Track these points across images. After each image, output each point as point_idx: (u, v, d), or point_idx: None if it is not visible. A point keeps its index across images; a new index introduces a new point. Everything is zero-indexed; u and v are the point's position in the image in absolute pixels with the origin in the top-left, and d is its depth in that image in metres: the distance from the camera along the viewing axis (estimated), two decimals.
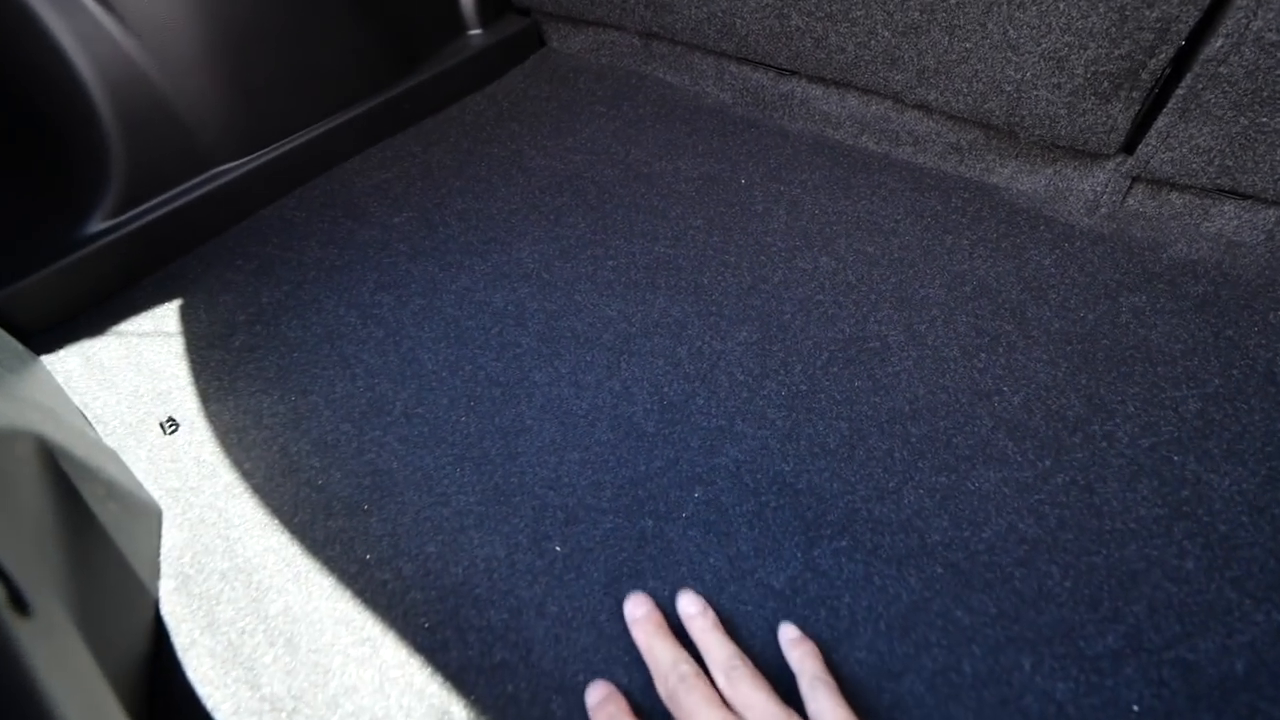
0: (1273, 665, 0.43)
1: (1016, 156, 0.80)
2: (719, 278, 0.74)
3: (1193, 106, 0.63)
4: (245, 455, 0.60)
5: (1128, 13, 0.61)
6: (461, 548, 0.53)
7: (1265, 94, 0.59)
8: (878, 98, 0.86)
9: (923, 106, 0.82)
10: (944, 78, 0.76)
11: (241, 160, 0.85)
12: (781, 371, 0.64)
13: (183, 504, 0.57)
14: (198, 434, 0.62)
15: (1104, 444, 0.56)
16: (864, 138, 0.90)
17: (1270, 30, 0.56)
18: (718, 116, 0.97)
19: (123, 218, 0.77)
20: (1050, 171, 0.78)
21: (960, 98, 0.77)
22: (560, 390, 0.64)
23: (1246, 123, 0.62)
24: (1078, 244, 0.74)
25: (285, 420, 0.63)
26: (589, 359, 0.66)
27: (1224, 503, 0.52)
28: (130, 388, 0.67)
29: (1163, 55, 0.62)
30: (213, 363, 0.69)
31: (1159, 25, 0.60)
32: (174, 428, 0.63)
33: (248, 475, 0.59)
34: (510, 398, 0.63)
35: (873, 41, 0.78)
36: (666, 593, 0.49)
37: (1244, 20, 0.57)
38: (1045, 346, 0.64)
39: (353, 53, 0.93)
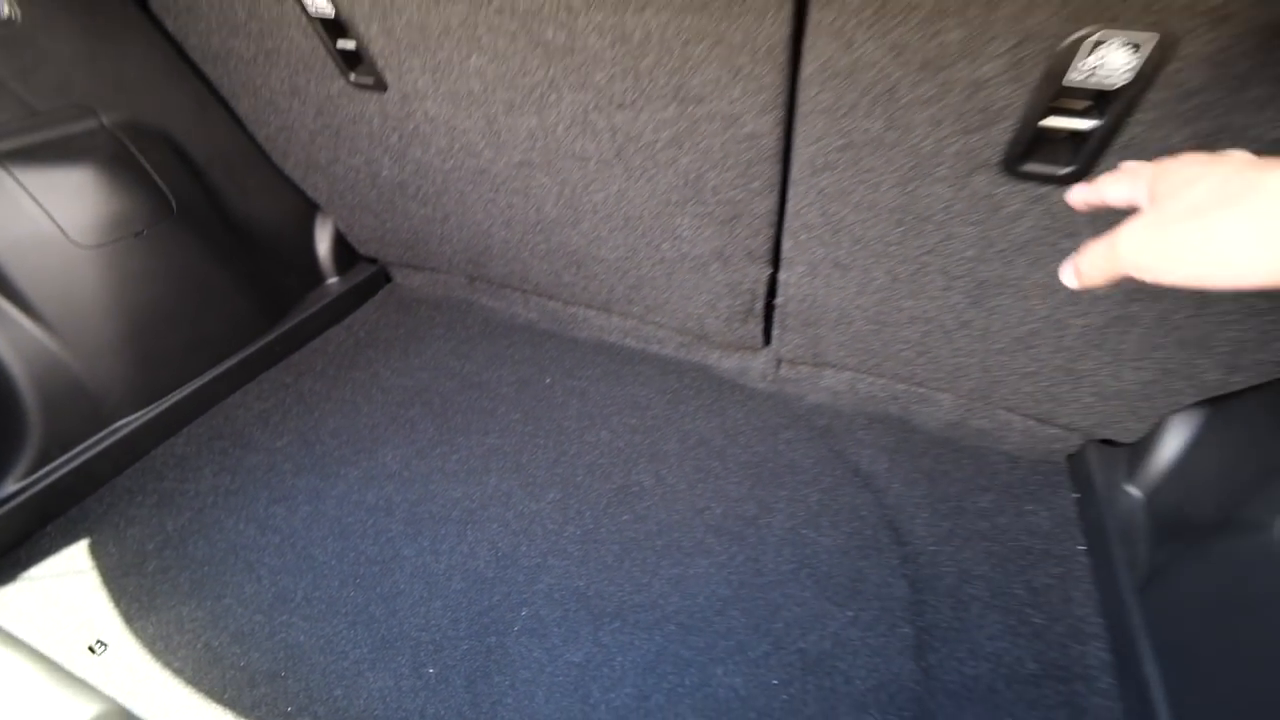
0: (847, 642, 0.80)
1: (718, 348, 1.25)
2: (533, 456, 1.07)
3: (786, 323, 1.11)
4: (173, 656, 0.78)
5: (732, 284, 1.07)
6: (361, 687, 0.76)
7: (814, 317, 1.08)
8: (630, 317, 1.30)
9: (655, 323, 1.27)
10: (660, 310, 1.21)
11: (139, 413, 1.06)
12: (576, 518, 0.97)
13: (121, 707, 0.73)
14: (126, 648, 0.79)
15: (765, 531, 0.94)
16: (627, 339, 1.32)
17: (798, 296, 1.04)
18: (527, 332, 1.36)
19: (33, 477, 0.94)
20: (737, 357, 1.24)
21: (673, 319, 1.21)
22: (424, 559, 0.90)
23: (812, 331, 1.10)
24: (756, 401, 1.18)
25: (204, 622, 0.82)
26: (443, 532, 0.94)
27: (827, 553, 0.91)
28: (52, 623, 0.82)
29: (759, 304, 1.09)
30: (130, 588, 0.86)
31: (749, 290, 1.07)
32: (103, 648, 0.79)
33: (178, 671, 0.77)
34: (387, 571, 0.89)
35: (616, 289, 1.22)
36: (509, 683, 0.76)
37: (790, 290, 1.05)
38: (736, 473, 1.04)
39: (232, 314, 1.19)
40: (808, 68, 0.67)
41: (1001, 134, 0.65)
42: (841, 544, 0.92)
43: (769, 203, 0.86)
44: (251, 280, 1.23)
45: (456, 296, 1.45)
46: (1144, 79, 0.55)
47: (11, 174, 0.86)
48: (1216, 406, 0.82)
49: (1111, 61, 0.55)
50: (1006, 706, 0.74)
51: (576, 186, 0.97)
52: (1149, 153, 0.57)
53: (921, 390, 1.09)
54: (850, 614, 0.83)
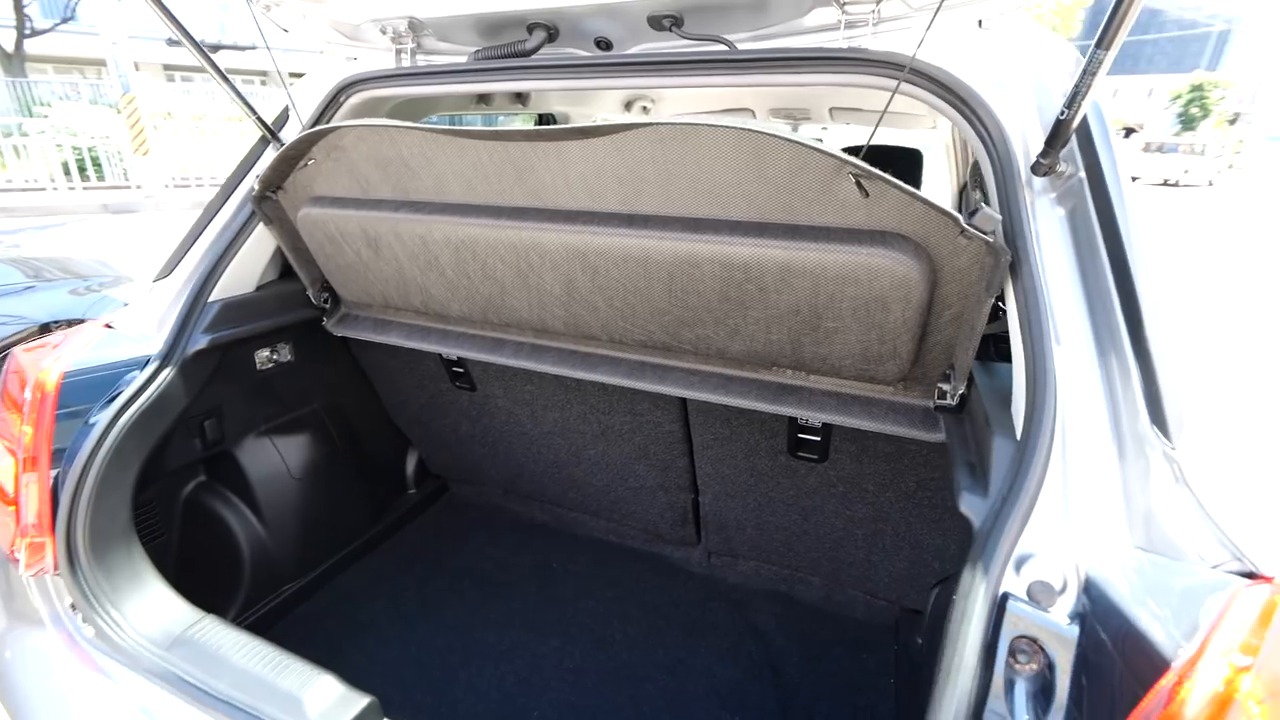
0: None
1: (669, 543, 1.86)
2: (543, 616, 1.63)
3: (708, 527, 1.74)
4: None
5: (671, 503, 1.73)
6: None
7: (722, 524, 1.70)
8: (611, 521, 1.92)
9: (628, 525, 1.89)
10: (629, 517, 1.84)
11: (295, 581, 1.65)
12: (570, 658, 1.51)
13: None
14: None
15: (690, 666, 1.48)
16: (609, 536, 1.94)
17: (711, 511, 1.69)
18: (541, 529, 1.98)
19: (240, 616, 1.51)
20: (682, 550, 1.84)
21: (638, 524, 1.84)
22: (472, 680, 1.44)
23: (724, 533, 1.72)
24: (694, 581, 1.76)
25: None
26: (483, 664, 1.48)
27: (729, 680, 1.44)
28: None
29: (690, 514, 1.73)
30: None
31: (682, 506, 1.72)
32: None
33: None
34: (447, 686, 1.42)
35: (602, 503, 1.86)
36: None
37: (706, 507, 1.70)
38: (675, 629, 1.59)
39: (354, 514, 1.84)
40: (692, 410, 1.41)
41: (783, 440, 1.36)
42: (739, 675, 1.46)
43: (685, 461, 1.56)
44: (369, 492, 1.90)
45: (494, 503, 2.11)
46: (829, 428, 1.27)
47: (274, 443, 1.59)
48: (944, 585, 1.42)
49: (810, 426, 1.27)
50: None
51: (578, 445, 1.68)
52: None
53: (800, 574, 1.68)
54: (737, 718, 1.35)
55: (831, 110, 2.37)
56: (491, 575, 1.79)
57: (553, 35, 1.19)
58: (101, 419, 1.13)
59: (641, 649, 1.53)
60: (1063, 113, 0.74)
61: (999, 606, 0.62)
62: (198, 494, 1.50)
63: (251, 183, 1.38)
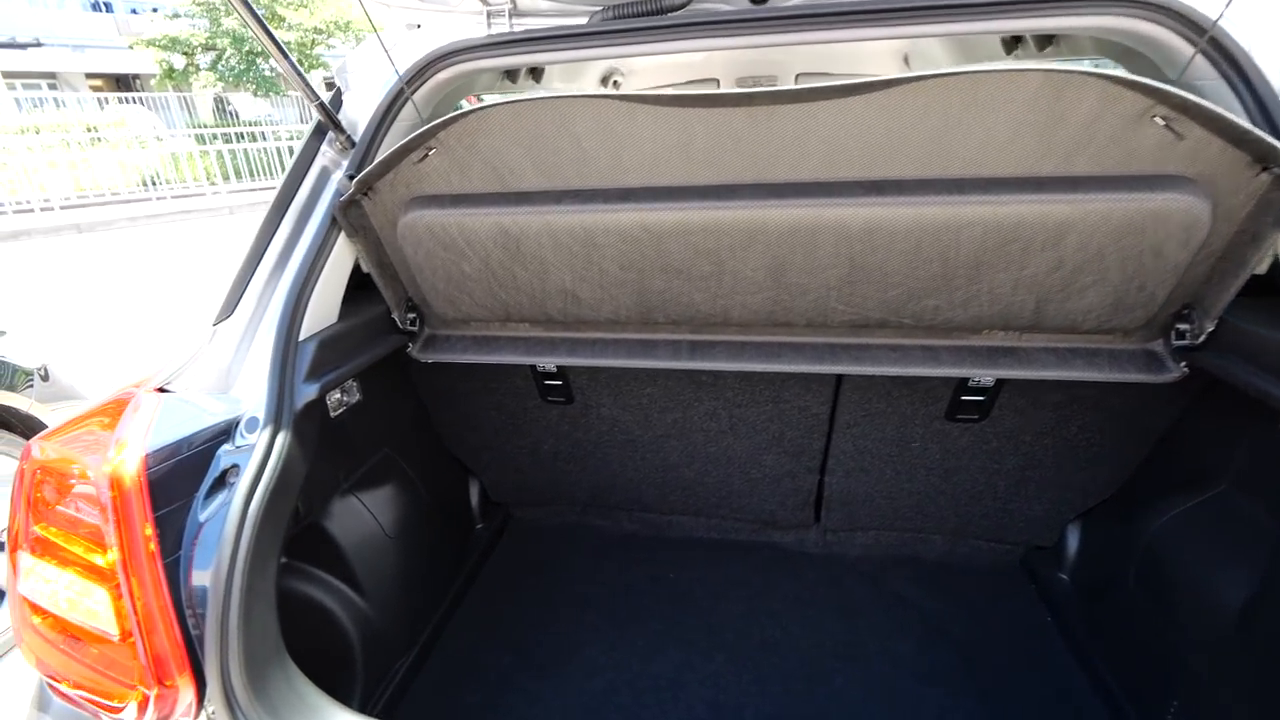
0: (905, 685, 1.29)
1: (779, 529, 1.81)
2: (693, 633, 1.52)
3: (830, 505, 1.70)
4: None
5: (796, 488, 1.67)
6: None
7: (848, 499, 1.68)
8: (714, 516, 1.83)
9: (734, 518, 1.81)
10: (741, 509, 1.75)
11: (409, 651, 1.40)
12: (739, 670, 1.41)
13: None
14: None
15: (859, 649, 1.44)
16: (710, 533, 1.84)
17: (838, 488, 1.65)
18: (631, 540, 1.84)
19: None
20: (794, 533, 1.80)
21: (749, 514, 1.76)
22: (642, 715, 1.31)
23: (847, 509, 1.70)
24: (818, 563, 1.72)
25: None
26: (651, 697, 1.35)
27: (892, 645, 1.42)
28: None
29: (812, 496, 1.69)
30: None
31: (807, 489, 1.67)
32: None
33: None
34: None
35: (710, 499, 1.76)
36: None
37: (833, 486, 1.65)
38: (829, 614, 1.54)
39: (442, 561, 1.60)
40: (846, 388, 1.34)
41: (943, 406, 1.34)
42: (914, 645, 1.44)
43: (821, 443, 1.50)
44: (448, 535, 1.66)
45: (570, 521, 1.92)
46: (998, 386, 1.26)
47: (360, 501, 1.32)
48: (1086, 517, 1.49)
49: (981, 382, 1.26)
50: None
51: (697, 444, 1.56)
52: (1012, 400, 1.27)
53: (923, 535, 1.69)
54: (940, 688, 1.34)
55: (798, 76, 2.32)
56: (609, 600, 1.63)
57: None
58: (230, 509, 0.86)
59: (808, 643, 1.47)
60: None
61: None
62: (283, 581, 1.21)
63: (318, 188, 1.10)
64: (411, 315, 1.28)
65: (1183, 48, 0.87)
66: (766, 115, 0.88)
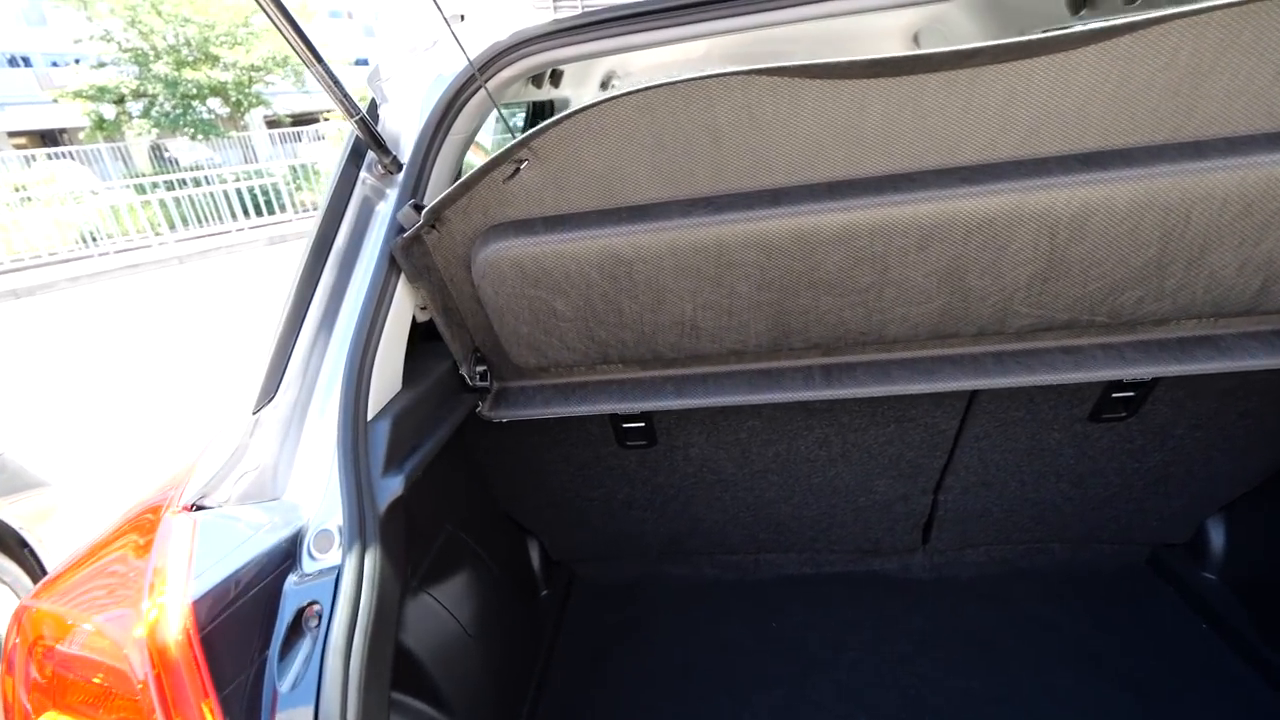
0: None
1: (880, 555, 1.62)
2: (815, 689, 1.32)
3: (943, 525, 1.52)
4: None
5: (909, 511, 1.49)
6: None
7: (964, 516, 1.50)
8: (806, 550, 1.64)
9: (830, 549, 1.62)
10: (840, 540, 1.57)
11: None
12: None
13: None
14: None
15: (997, 678, 1.26)
16: (803, 569, 1.65)
17: (954, 506, 1.47)
18: (715, 588, 1.63)
19: None
20: (896, 558, 1.61)
21: (850, 544, 1.57)
22: None
23: (961, 527, 1.52)
24: (931, 589, 1.54)
25: None
26: None
27: (1038, 669, 1.24)
28: None
29: (924, 518, 1.51)
30: None
31: (921, 511, 1.49)
32: None
33: None
34: None
35: (805, 534, 1.57)
36: None
37: (948, 505, 1.48)
38: (957, 649, 1.36)
39: (524, 644, 1.36)
40: (982, 399, 1.17)
41: (1088, 407, 1.17)
42: (1071, 678, 1.27)
43: (941, 461, 1.32)
44: (521, 612, 1.43)
45: (643, 573, 1.71)
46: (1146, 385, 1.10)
47: (433, 598, 1.08)
48: (1230, 510, 1.34)
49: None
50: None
51: (800, 476, 1.37)
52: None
53: (1039, 544, 1.53)
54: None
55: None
56: (713, 663, 1.42)
57: None
58: (327, 668, 0.63)
59: (953, 685, 1.29)
60: None
61: None
62: None
63: (361, 225, 0.88)
64: (481, 368, 1.06)
65: None
66: (969, 80, 0.70)
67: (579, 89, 1.92)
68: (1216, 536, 1.38)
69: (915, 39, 2.17)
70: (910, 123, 0.74)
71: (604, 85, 2.35)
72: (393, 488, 0.79)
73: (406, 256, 0.86)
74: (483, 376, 1.06)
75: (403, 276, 0.89)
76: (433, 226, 0.85)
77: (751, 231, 0.81)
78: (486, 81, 0.90)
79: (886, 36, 2.18)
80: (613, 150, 0.78)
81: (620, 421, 1.28)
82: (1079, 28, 0.66)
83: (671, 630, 1.52)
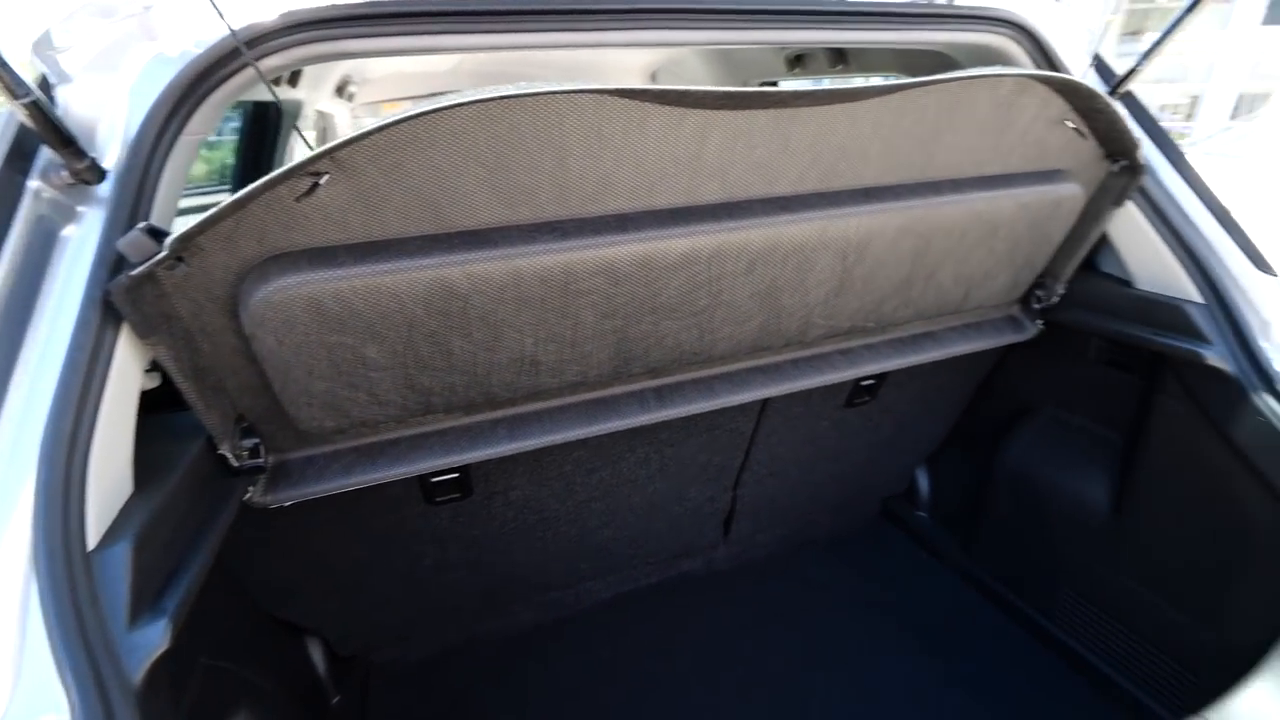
0: None
1: (688, 557, 1.71)
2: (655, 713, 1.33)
3: (740, 518, 1.66)
4: None
5: (715, 510, 1.59)
6: None
7: (759, 507, 1.67)
8: (620, 570, 1.63)
9: (646, 562, 1.64)
10: (654, 552, 1.60)
11: None
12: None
13: None
14: None
15: (783, 638, 1.45)
16: (624, 586, 1.65)
17: (750, 499, 1.62)
18: (542, 632, 1.54)
19: None
20: (702, 556, 1.72)
21: (661, 553, 1.62)
22: None
23: (754, 517, 1.69)
24: (732, 576, 1.68)
25: None
26: None
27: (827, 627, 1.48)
28: None
29: (725, 514, 1.63)
30: None
31: (725, 508, 1.60)
32: None
33: None
34: None
35: (621, 554, 1.56)
36: None
37: (745, 498, 1.62)
38: (774, 629, 1.52)
39: None
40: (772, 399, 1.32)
41: (844, 396, 1.41)
42: (825, 613, 1.51)
43: (740, 459, 1.45)
44: None
45: (456, 642, 1.51)
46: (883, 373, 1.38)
47: None
48: (930, 461, 1.76)
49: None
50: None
51: (621, 499, 1.36)
52: None
53: (810, 517, 1.79)
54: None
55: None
56: (557, 713, 1.33)
57: None
58: None
59: (773, 655, 1.42)
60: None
61: None
62: None
63: (39, 261, 0.62)
64: (249, 442, 0.80)
65: (1025, 62, 1.04)
66: (789, 118, 0.76)
67: (313, 92, 1.64)
68: (923, 483, 1.79)
69: (653, 77, 2.38)
70: (742, 154, 0.78)
71: (339, 91, 2.06)
72: (151, 642, 0.54)
73: (134, 302, 0.60)
74: (252, 452, 0.81)
75: (124, 330, 0.62)
76: (179, 259, 0.61)
77: (599, 258, 0.77)
78: (258, 61, 0.69)
79: (628, 72, 2.35)
80: (445, 166, 0.66)
81: (429, 475, 1.10)
82: (895, 81, 0.78)
83: (499, 696, 1.38)
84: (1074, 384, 1.36)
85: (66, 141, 0.60)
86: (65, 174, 0.63)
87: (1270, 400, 0.93)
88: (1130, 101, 1.08)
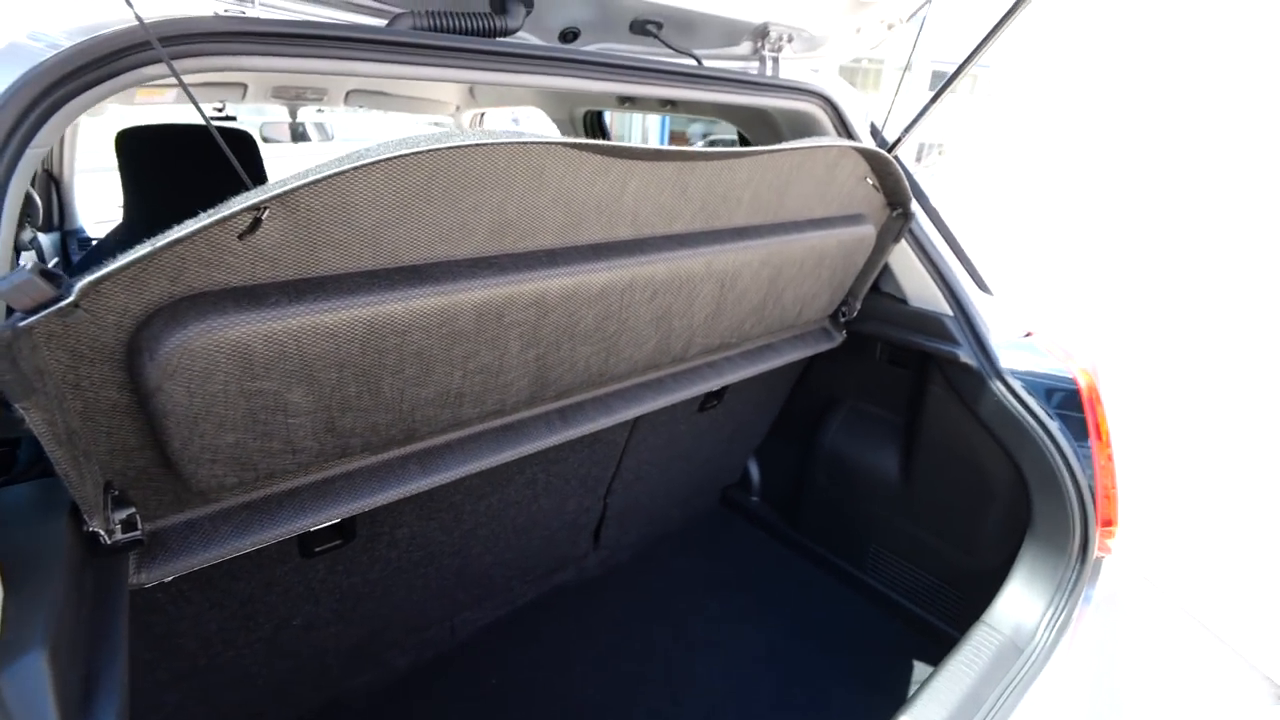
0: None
1: (561, 569, 1.74)
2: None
3: (608, 526, 1.74)
4: None
5: (589, 522, 1.64)
6: None
7: (624, 512, 1.76)
8: (499, 595, 1.60)
9: (522, 581, 1.63)
10: (530, 570, 1.60)
11: None
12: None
13: None
14: None
15: (656, 626, 1.61)
16: (500, 611, 1.62)
17: (617, 507, 1.71)
18: (426, 661, 1.45)
19: None
20: (574, 566, 1.77)
21: (538, 570, 1.63)
22: None
23: (620, 522, 1.78)
24: (605, 581, 1.76)
25: None
26: None
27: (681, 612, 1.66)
28: None
29: (596, 522, 1.70)
30: None
31: (597, 518, 1.66)
32: None
33: None
34: None
35: (497, 579, 1.53)
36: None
37: (614, 506, 1.70)
38: (649, 625, 1.63)
39: None
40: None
41: (696, 402, 1.59)
42: (687, 597, 1.70)
43: (612, 469, 1.54)
44: None
45: (317, 707, 1.35)
46: None
47: None
48: (757, 453, 2.03)
49: None
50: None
51: (505, 523, 1.36)
52: None
53: (668, 513, 1.95)
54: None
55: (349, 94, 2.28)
56: None
57: (529, 11, 0.91)
58: None
59: (650, 647, 1.53)
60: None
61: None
62: None
63: None
64: (124, 513, 0.66)
65: (830, 126, 1.32)
66: (689, 169, 0.88)
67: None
68: (754, 471, 2.07)
69: (470, 91, 2.39)
70: (651, 197, 0.88)
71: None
72: None
73: (12, 359, 0.48)
74: (126, 524, 0.67)
75: None
76: (76, 306, 0.51)
77: (533, 291, 0.80)
78: (102, 82, 0.58)
79: (442, 87, 2.31)
80: (392, 203, 0.64)
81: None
82: (781, 148, 0.93)
83: None
84: (867, 380, 1.71)
85: None
86: None
87: (1000, 385, 1.31)
88: (897, 161, 1.43)
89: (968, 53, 1.15)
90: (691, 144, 1.25)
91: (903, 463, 1.60)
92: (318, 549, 1.05)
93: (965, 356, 1.35)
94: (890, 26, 1.39)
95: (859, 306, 1.52)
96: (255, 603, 1.03)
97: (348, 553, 1.11)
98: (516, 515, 1.37)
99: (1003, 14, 1.06)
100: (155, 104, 2.10)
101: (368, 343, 0.69)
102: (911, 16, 1.37)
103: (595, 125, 2.39)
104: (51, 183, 2.43)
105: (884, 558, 1.68)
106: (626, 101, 1.94)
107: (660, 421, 1.53)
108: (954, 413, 1.43)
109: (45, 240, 2.34)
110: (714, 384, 1.29)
